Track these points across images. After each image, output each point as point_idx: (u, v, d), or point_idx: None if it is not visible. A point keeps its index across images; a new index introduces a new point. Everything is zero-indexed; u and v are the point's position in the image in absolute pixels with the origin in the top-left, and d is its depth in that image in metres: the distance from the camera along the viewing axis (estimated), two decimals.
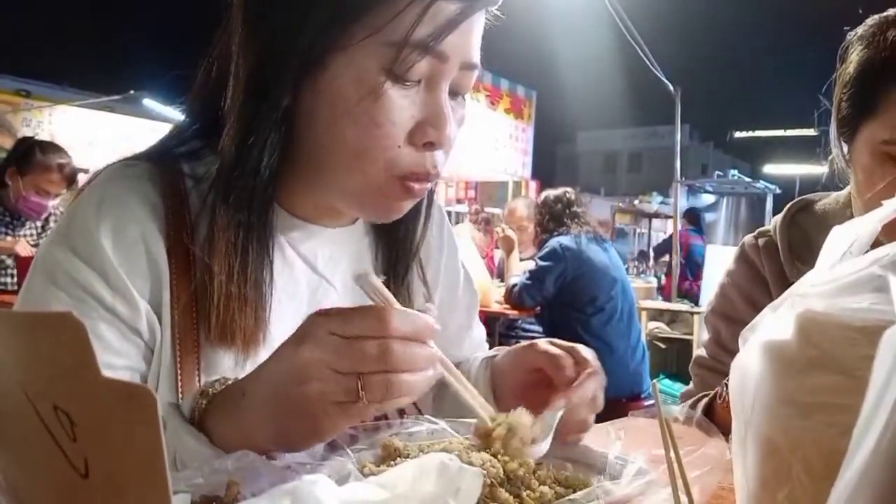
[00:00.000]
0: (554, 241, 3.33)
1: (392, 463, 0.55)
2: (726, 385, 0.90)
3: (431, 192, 0.80)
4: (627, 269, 5.64)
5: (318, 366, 0.51)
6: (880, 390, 0.27)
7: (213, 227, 0.66)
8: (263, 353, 0.66)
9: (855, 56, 0.90)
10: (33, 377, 0.31)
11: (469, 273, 0.96)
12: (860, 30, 0.91)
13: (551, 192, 3.57)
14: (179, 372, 0.65)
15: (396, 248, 0.80)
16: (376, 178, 0.65)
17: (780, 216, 1.08)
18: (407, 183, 0.65)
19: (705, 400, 0.97)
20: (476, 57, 0.67)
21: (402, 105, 0.63)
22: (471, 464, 0.50)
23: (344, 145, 0.64)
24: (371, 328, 0.51)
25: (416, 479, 0.42)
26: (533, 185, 8.60)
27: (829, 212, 1.03)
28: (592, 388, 0.67)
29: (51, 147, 3.03)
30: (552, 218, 3.45)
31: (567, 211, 3.44)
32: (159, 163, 0.71)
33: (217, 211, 0.65)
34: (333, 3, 0.62)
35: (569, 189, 3.59)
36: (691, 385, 1.14)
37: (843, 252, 0.45)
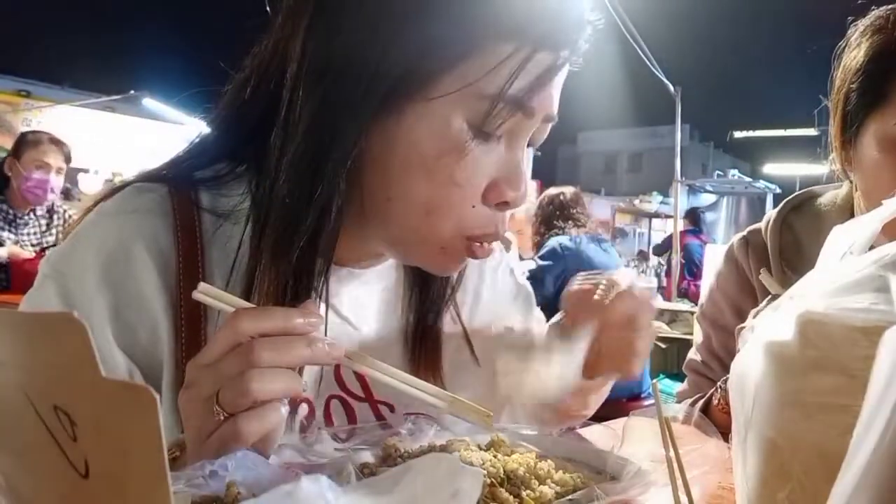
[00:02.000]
0: (553, 241, 3.33)
1: (392, 463, 0.55)
2: (721, 388, 0.90)
3: None
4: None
5: (189, 403, 0.51)
6: (881, 391, 0.27)
7: (254, 280, 0.60)
8: None
9: (865, 43, 0.88)
10: (33, 377, 0.31)
11: (521, 282, 0.91)
12: (866, 21, 0.89)
13: (547, 193, 3.56)
14: None
15: (434, 287, 0.74)
16: (443, 236, 0.61)
17: (772, 215, 1.04)
18: (472, 245, 0.62)
19: (701, 402, 0.97)
20: (555, 109, 0.63)
21: (484, 163, 0.59)
22: (471, 464, 0.50)
23: (415, 200, 0.59)
24: (225, 338, 0.50)
25: (416, 479, 0.42)
26: (533, 185, 8.60)
27: (824, 214, 1.00)
28: (627, 305, 0.64)
29: (39, 131, 3.17)
30: (542, 220, 3.45)
31: (558, 213, 3.42)
32: (176, 187, 0.65)
33: (267, 271, 0.60)
34: (422, 46, 0.56)
35: (565, 190, 3.54)
36: (685, 385, 1.14)
37: (843, 252, 0.45)
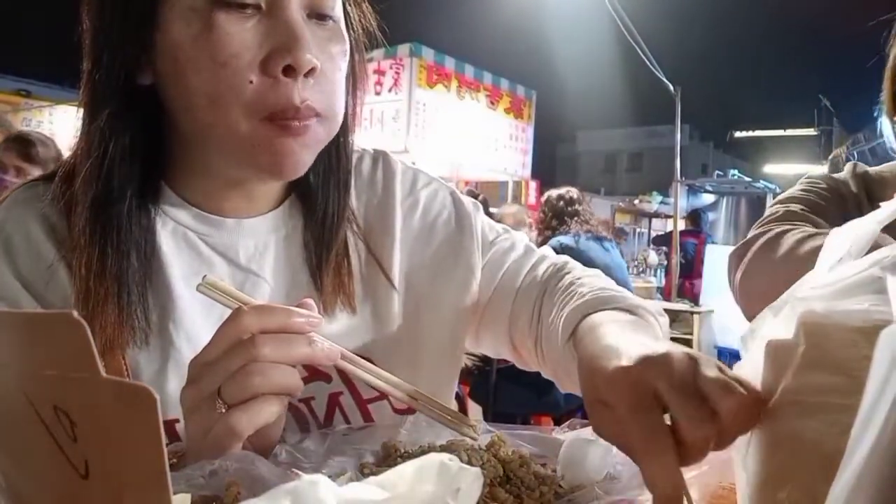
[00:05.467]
0: (554, 241, 3.34)
1: (392, 463, 0.55)
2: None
3: (347, 161, 0.74)
4: (628, 268, 5.67)
5: (191, 400, 0.52)
6: (878, 389, 0.27)
7: (73, 219, 0.64)
8: (187, 353, 0.65)
9: None
10: (33, 378, 0.31)
11: (450, 198, 0.83)
12: None
13: (554, 192, 3.59)
14: None
15: (318, 221, 0.73)
16: (242, 126, 0.60)
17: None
18: (277, 122, 0.60)
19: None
20: None
21: (241, 36, 0.58)
22: (471, 464, 0.50)
23: (197, 96, 0.60)
24: (228, 335, 0.51)
25: (416, 479, 0.42)
26: (533, 184, 8.60)
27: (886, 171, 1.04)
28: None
29: (28, 135, 3.05)
30: (555, 215, 3.47)
31: (568, 209, 3.46)
32: (63, 179, 0.68)
33: (78, 203, 0.63)
34: None
35: (571, 188, 3.61)
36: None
37: (843, 254, 0.45)
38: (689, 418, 0.40)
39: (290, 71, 0.59)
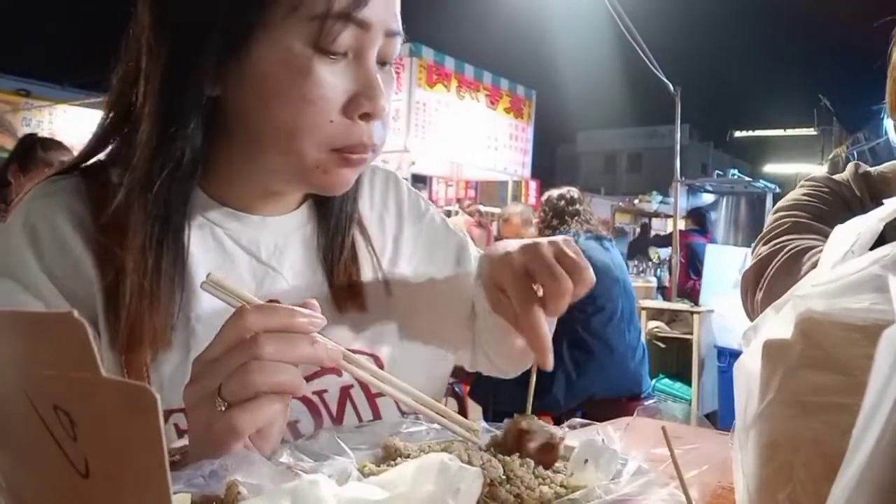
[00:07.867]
0: None
1: (392, 463, 0.55)
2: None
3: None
4: (628, 268, 5.66)
5: (193, 398, 0.53)
6: (880, 389, 0.27)
7: (129, 222, 0.64)
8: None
9: None
10: (33, 377, 0.31)
11: (451, 231, 0.92)
12: None
13: (554, 191, 3.60)
14: (126, 373, 0.64)
15: (332, 224, 0.78)
16: (313, 156, 0.64)
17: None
18: (344, 155, 0.65)
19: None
20: (397, 24, 0.67)
21: (332, 80, 0.63)
22: (471, 464, 0.50)
23: (276, 128, 0.63)
24: (231, 334, 0.52)
25: (416, 479, 0.42)
26: (533, 184, 8.61)
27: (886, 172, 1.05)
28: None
29: (53, 144, 3.00)
30: (555, 215, 3.47)
31: (568, 208, 3.47)
32: (86, 174, 0.70)
33: (135, 205, 0.64)
34: None
35: (571, 188, 3.62)
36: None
37: (845, 251, 0.45)
38: (551, 278, 0.62)
39: (366, 116, 0.65)
